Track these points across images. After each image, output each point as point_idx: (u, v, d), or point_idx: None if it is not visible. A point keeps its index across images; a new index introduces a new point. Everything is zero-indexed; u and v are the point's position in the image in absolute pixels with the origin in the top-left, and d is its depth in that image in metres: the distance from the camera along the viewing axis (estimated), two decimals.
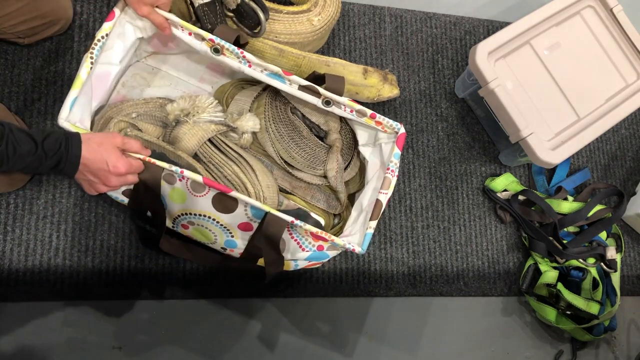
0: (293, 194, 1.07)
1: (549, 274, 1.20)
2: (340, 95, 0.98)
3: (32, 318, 0.99)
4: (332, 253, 0.97)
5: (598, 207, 1.27)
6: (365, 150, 1.08)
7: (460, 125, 1.31)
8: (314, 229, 0.90)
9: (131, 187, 0.90)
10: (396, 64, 1.30)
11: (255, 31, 1.05)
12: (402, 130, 1.00)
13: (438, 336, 1.19)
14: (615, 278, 1.24)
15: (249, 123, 1.01)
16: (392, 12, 1.33)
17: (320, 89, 0.97)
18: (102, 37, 0.88)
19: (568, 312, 1.18)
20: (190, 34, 0.92)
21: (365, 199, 1.02)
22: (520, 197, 1.25)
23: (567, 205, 1.25)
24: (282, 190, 1.06)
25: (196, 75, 1.11)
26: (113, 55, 0.91)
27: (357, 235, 0.97)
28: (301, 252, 0.96)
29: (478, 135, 1.32)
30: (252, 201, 0.87)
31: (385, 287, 1.17)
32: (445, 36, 1.35)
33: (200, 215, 0.91)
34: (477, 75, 1.16)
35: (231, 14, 1.05)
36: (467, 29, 1.38)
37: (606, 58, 1.27)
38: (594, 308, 1.16)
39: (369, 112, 0.99)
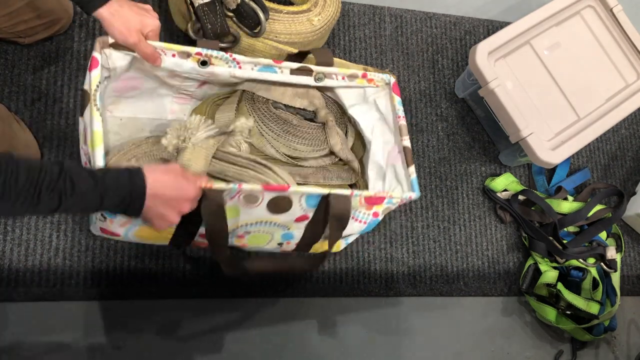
0: (306, 183, 1.06)
1: (549, 274, 1.20)
2: (330, 65, 0.99)
3: (32, 318, 0.99)
4: (382, 216, 0.97)
5: (598, 207, 1.27)
6: (355, 110, 1.08)
7: (460, 125, 1.31)
8: (371, 193, 0.89)
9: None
10: (396, 64, 1.30)
11: (255, 31, 1.05)
12: (393, 79, 1.02)
13: (438, 336, 1.19)
14: (615, 278, 1.24)
15: (241, 121, 1.00)
16: (392, 12, 1.33)
17: (312, 66, 0.98)
18: (97, 86, 0.81)
19: (568, 312, 1.18)
20: (174, 55, 0.89)
21: (378, 156, 1.03)
22: (520, 197, 1.25)
23: (567, 205, 1.25)
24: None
25: (165, 110, 1.07)
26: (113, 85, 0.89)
27: (397, 188, 0.98)
28: (359, 224, 0.96)
29: (478, 135, 1.32)
30: (310, 190, 0.85)
31: (385, 287, 1.17)
32: (445, 36, 1.35)
33: (256, 223, 0.91)
34: (477, 75, 1.16)
35: (231, 14, 1.05)
36: (467, 29, 1.38)
37: (606, 58, 1.27)
38: (594, 308, 1.16)
39: (360, 72, 1.00)
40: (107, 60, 0.86)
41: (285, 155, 1.05)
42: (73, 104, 1.08)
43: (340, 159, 1.09)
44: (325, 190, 0.86)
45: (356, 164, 1.08)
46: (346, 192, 0.87)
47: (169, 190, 0.71)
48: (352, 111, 1.08)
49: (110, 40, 0.84)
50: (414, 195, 0.93)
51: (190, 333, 1.05)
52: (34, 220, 1.01)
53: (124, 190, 0.67)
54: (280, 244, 0.99)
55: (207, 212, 0.80)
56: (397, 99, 1.01)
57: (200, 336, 1.06)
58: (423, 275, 1.20)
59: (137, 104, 1.03)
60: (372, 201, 0.92)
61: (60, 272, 1.01)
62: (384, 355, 1.14)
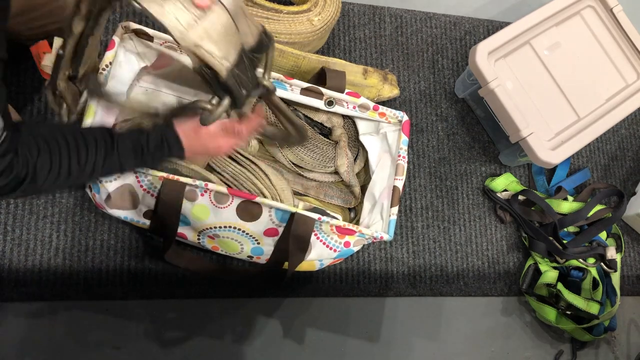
0: (307, 195, 1.07)
1: (549, 274, 1.20)
2: (342, 91, 0.99)
3: (32, 318, 0.99)
4: (356, 248, 0.98)
5: (598, 207, 1.27)
6: (365, 139, 1.08)
7: (460, 125, 1.31)
8: (341, 223, 0.91)
9: (152, 208, 0.91)
10: (396, 64, 1.30)
11: None
12: (406, 117, 1.03)
13: (438, 336, 1.19)
14: (615, 278, 1.24)
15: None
16: (392, 12, 1.33)
17: (323, 89, 0.97)
18: (107, 66, 0.88)
19: (568, 312, 1.18)
20: None
21: (376, 189, 1.04)
22: (520, 197, 1.25)
23: (567, 205, 1.25)
24: (295, 193, 1.06)
25: (190, 91, 1.10)
26: (118, 84, 0.91)
27: (378, 224, 0.99)
28: (329, 250, 0.96)
29: (478, 135, 1.32)
30: (278, 204, 0.88)
31: (385, 287, 1.17)
32: (445, 36, 1.35)
33: (225, 227, 0.92)
34: (477, 75, 1.16)
35: None
36: (467, 29, 1.38)
37: (606, 58, 1.27)
38: (594, 308, 1.16)
39: (372, 104, 1.00)
40: (134, 45, 0.91)
41: (291, 162, 1.05)
42: None
43: (344, 181, 1.09)
44: (292, 208, 0.88)
45: (357, 189, 1.08)
46: (314, 215, 0.88)
47: (201, 151, 0.80)
48: (363, 139, 1.08)
49: (133, 26, 0.89)
50: (386, 237, 0.94)
51: (190, 333, 1.05)
52: (34, 220, 1.01)
53: (166, 157, 0.76)
54: (250, 257, 1.00)
55: (162, 202, 0.85)
56: (404, 139, 1.02)
57: (201, 336, 1.06)
58: (423, 275, 1.20)
59: (164, 80, 1.07)
60: (343, 231, 0.93)
61: (60, 272, 1.01)
62: (384, 355, 1.14)
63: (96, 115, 0.85)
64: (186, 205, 0.89)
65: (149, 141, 0.73)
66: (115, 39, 0.89)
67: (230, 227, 0.92)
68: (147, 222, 0.95)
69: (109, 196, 0.89)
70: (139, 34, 0.91)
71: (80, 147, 0.67)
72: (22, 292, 0.99)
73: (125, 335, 1.02)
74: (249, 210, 0.90)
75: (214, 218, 0.90)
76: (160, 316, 1.04)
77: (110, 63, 0.88)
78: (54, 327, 0.99)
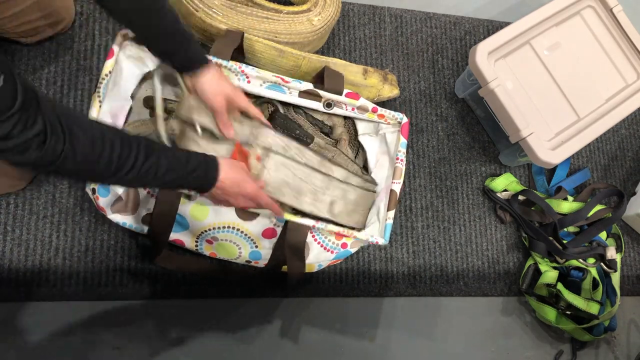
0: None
1: (549, 274, 1.20)
2: (340, 93, 0.99)
3: (32, 318, 0.99)
4: (354, 249, 0.98)
5: (598, 207, 1.27)
6: (364, 139, 1.08)
7: (460, 125, 1.31)
8: (336, 229, 0.90)
9: (151, 211, 0.91)
10: (396, 64, 1.30)
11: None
12: (405, 119, 1.02)
13: (438, 336, 1.19)
14: (615, 278, 1.24)
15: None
16: (392, 12, 1.33)
17: (321, 92, 0.97)
18: (106, 75, 0.88)
19: (568, 312, 1.18)
20: None
21: None
22: (520, 197, 1.25)
23: (567, 205, 1.25)
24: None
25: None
26: (123, 90, 0.91)
27: (374, 225, 0.99)
28: (326, 252, 0.96)
29: (478, 135, 1.32)
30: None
31: (385, 287, 1.17)
32: (445, 36, 1.35)
33: (224, 227, 0.92)
34: (477, 75, 1.16)
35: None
36: (467, 29, 1.38)
37: (606, 58, 1.27)
38: (594, 308, 1.16)
39: (371, 106, 1.00)
40: (135, 52, 0.91)
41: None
42: (73, 104, 1.08)
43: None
44: (286, 216, 0.88)
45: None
46: (307, 222, 0.89)
47: (232, 186, 0.79)
48: (362, 139, 1.08)
49: (132, 34, 0.89)
50: (381, 241, 0.94)
51: (190, 333, 1.05)
52: (34, 221, 1.01)
53: (200, 180, 0.76)
54: (248, 261, 1.00)
55: (157, 210, 0.86)
56: (403, 142, 1.01)
57: (201, 336, 1.06)
58: (423, 275, 1.20)
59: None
60: (339, 235, 0.94)
61: (60, 272, 1.01)
62: (383, 355, 1.14)
63: (102, 106, 0.85)
64: (184, 207, 0.89)
65: (189, 168, 0.73)
66: (115, 47, 0.89)
67: (229, 227, 0.91)
68: (145, 228, 0.94)
69: (119, 198, 0.89)
70: (139, 43, 0.92)
71: (124, 141, 0.65)
72: (22, 292, 0.99)
73: (125, 335, 1.02)
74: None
75: (213, 217, 0.90)
76: (161, 316, 1.04)
77: (110, 72, 0.88)
78: (54, 327, 0.99)
